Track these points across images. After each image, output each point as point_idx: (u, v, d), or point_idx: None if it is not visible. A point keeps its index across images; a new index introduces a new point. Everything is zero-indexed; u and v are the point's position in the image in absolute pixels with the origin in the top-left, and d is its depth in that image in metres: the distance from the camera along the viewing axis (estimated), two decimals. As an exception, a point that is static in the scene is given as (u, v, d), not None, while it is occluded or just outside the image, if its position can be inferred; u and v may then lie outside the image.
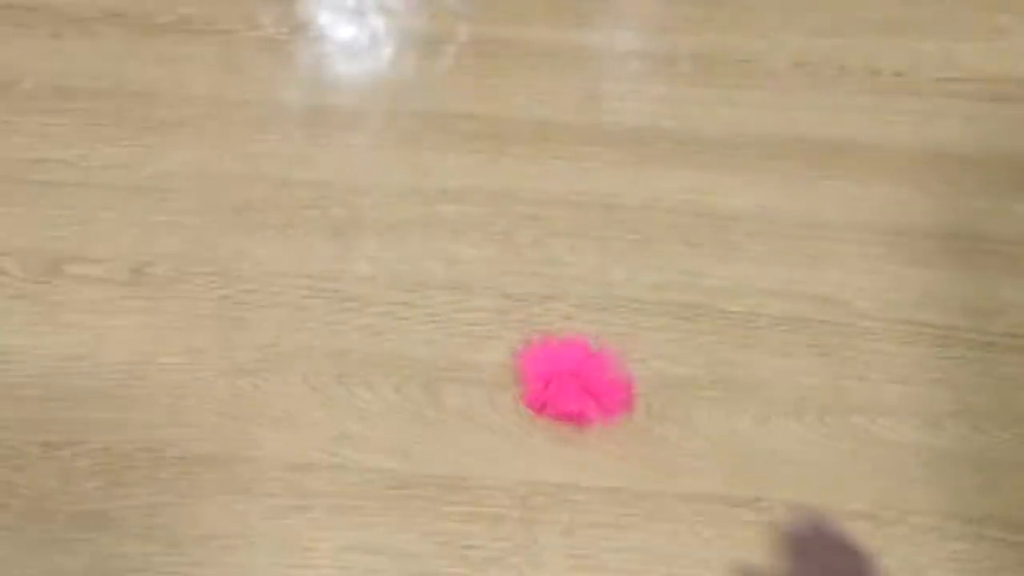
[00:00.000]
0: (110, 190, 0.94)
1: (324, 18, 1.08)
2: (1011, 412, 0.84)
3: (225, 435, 0.81)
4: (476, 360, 0.85)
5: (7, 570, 0.75)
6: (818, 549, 0.78)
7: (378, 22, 1.08)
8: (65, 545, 0.76)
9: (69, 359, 0.84)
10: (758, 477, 0.81)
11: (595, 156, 0.97)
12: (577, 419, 0.82)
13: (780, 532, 0.78)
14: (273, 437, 0.81)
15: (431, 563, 0.77)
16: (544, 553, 0.77)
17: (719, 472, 0.81)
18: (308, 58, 1.04)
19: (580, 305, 0.89)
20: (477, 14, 1.08)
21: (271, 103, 1.00)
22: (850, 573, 0.77)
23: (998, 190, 0.97)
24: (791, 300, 0.90)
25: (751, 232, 0.93)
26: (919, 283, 0.91)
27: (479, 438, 0.82)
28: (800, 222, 0.94)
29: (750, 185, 0.96)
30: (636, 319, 0.88)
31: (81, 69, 1.01)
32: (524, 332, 0.86)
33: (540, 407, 0.82)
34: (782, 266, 0.92)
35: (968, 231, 0.94)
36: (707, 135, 1.00)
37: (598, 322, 0.88)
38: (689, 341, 0.87)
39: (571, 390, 0.82)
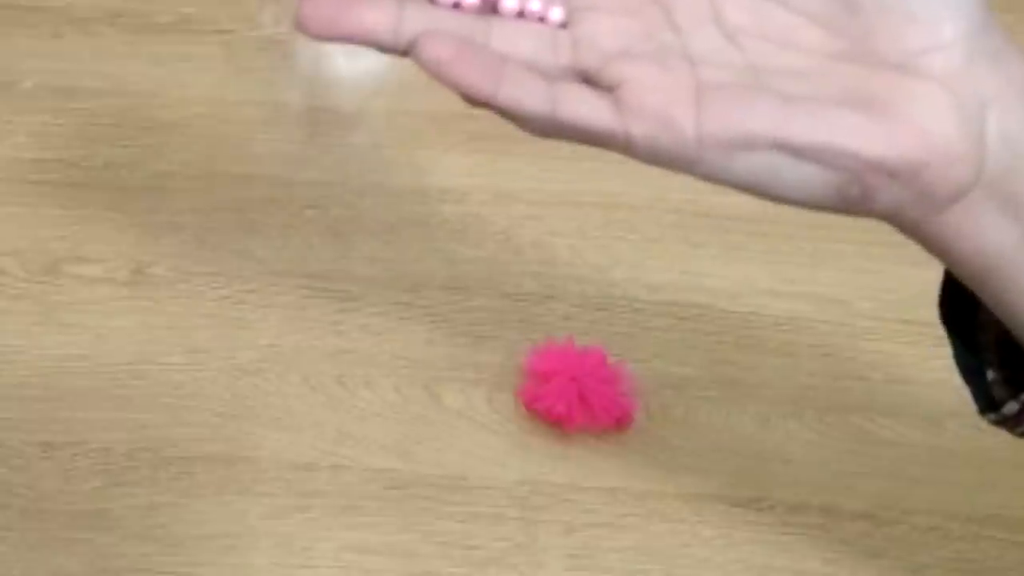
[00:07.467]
0: (110, 190, 0.94)
1: (324, 18, 1.08)
2: (1011, 412, 0.84)
3: (225, 435, 0.81)
4: (476, 360, 0.85)
5: (7, 570, 0.74)
6: None
7: (378, 22, 1.08)
8: (65, 545, 0.76)
9: (69, 359, 0.84)
10: (758, 477, 0.81)
11: (595, 156, 0.97)
12: (561, 421, 0.81)
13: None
14: (273, 437, 0.81)
15: (431, 563, 0.76)
16: (544, 553, 0.77)
17: (719, 472, 0.81)
18: (308, 58, 1.04)
19: (580, 305, 0.89)
20: (477, 14, 1.08)
21: (271, 103, 1.00)
22: None
23: (998, 190, 0.97)
24: (791, 300, 0.89)
25: (751, 232, 0.93)
26: (919, 283, 0.90)
27: (479, 438, 0.82)
28: (800, 222, 0.94)
29: (750, 185, 0.96)
30: (636, 319, 0.88)
31: (81, 69, 1.01)
32: (524, 332, 0.86)
33: (531, 400, 0.82)
34: (782, 266, 0.91)
35: (968, 231, 0.94)
36: (707, 135, 0.99)
37: (598, 322, 0.88)
38: (689, 341, 0.87)
39: (566, 393, 0.81)
